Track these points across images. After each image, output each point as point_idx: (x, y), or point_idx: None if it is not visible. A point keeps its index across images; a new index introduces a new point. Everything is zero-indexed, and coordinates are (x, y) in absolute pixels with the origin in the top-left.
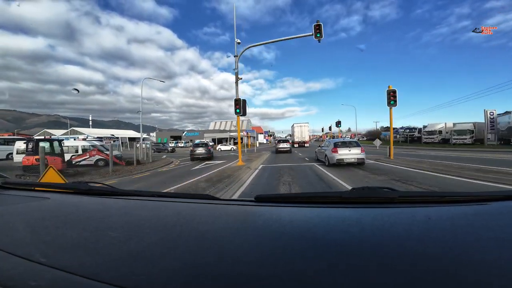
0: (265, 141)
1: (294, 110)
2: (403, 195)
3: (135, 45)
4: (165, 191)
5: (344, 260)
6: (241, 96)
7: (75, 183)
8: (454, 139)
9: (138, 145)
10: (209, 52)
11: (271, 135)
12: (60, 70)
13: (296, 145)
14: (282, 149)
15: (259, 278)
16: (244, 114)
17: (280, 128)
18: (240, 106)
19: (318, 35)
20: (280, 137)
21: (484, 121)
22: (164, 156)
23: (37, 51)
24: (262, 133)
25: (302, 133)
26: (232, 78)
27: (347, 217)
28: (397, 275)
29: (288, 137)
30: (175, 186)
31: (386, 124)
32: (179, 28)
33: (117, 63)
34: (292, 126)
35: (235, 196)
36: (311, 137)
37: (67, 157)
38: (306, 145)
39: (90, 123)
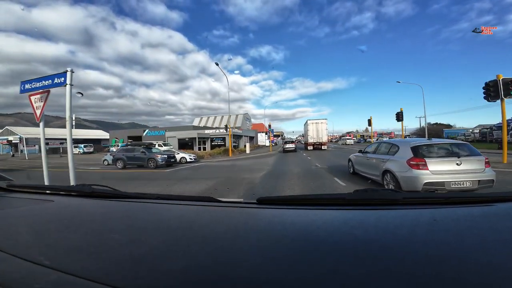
0: (267, 143)
1: (305, 110)
2: (407, 196)
3: (148, 50)
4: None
5: (348, 262)
6: (250, 98)
7: (79, 186)
8: None
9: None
10: (219, 55)
11: (278, 136)
12: (81, 75)
13: (310, 147)
14: (288, 149)
15: (261, 281)
16: None
17: (290, 129)
18: None
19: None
20: (290, 138)
21: None
22: None
23: (59, 56)
24: (263, 132)
25: (319, 132)
26: (241, 79)
27: (350, 219)
28: (401, 277)
29: (300, 137)
30: None
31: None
32: (189, 32)
33: (132, 68)
34: (306, 124)
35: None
36: (329, 138)
37: None
38: (323, 147)
39: (74, 123)
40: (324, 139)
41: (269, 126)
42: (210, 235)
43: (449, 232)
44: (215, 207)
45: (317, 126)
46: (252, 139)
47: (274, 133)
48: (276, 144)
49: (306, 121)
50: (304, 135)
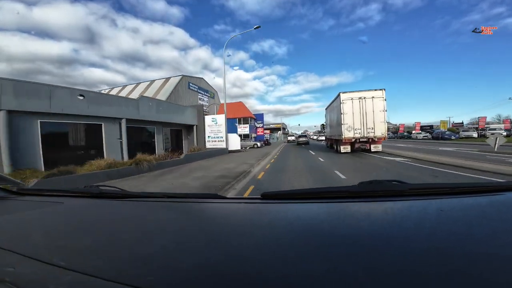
0: (235, 144)
1: (310, 106)
2: (413, 187)
3: (150, 47)
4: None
5: (354, 256)
6: (254, 94)
7: (87, 187)
8: None
9: None
10: (221, 50)
11: (278, 129)
12: (86, 73)
13: (345, 148)
14: (301, 142)
15: (269, 277)
16: None
17: (296, 123)
18: None
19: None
20: (295, 133)
21: None
22: None
23: (63, 55)
24: (240, 118)
25: (368, 116)
26: (244, 75)
27: (356, 212)
28: (408, 269)
29: (308, 131)
30: None
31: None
32: (190, 27)
33: (136, 65)
34: (336, 102)
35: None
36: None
37: None
38: (373, 148)
39: None
40: (379, 131)
41: (250, 115)
42: (217, 231)
43: (457, 223)
44: (221, 203)
45: (363, 104)
46: (190, 130)
47: (265, 126)
48: (266, 142)
49: (338, 96)
50: (329, 124)
